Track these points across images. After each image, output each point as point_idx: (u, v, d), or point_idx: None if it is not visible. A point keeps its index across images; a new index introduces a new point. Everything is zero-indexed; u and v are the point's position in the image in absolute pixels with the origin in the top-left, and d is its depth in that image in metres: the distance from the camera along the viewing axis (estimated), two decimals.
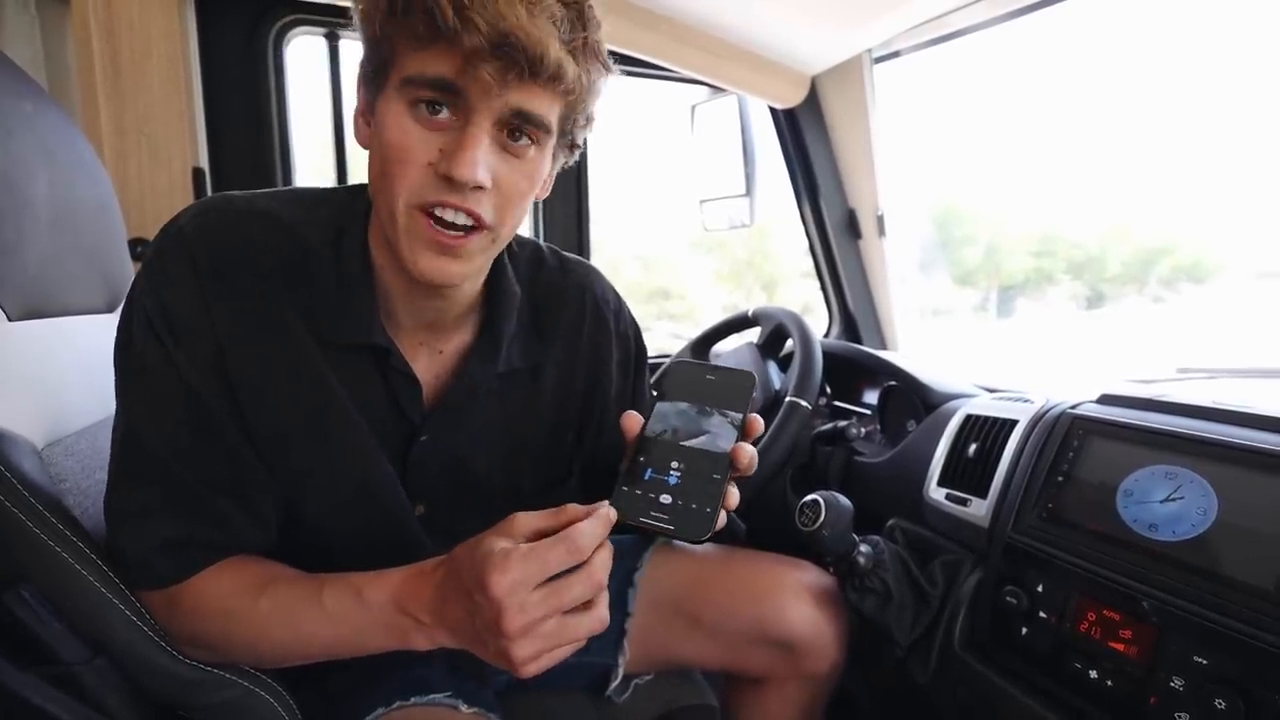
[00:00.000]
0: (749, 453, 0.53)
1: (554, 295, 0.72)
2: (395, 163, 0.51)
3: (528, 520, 0.49)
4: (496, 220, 0.54)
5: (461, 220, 0.52)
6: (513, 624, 0.45)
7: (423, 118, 0.50)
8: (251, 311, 0.56)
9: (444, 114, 0.51)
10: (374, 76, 0.53)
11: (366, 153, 0.57)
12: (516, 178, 0.54)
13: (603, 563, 0.48)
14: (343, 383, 0.60)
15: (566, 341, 0.72)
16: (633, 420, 0.55)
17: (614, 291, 0.79)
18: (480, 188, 0.51)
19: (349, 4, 0.56)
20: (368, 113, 0.56)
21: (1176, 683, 0.58)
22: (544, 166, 0.56)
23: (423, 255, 0.53)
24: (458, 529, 0.53)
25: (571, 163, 0.62)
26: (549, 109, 0.52)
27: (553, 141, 0.55)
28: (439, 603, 0.50)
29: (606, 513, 0.49)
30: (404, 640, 0.53)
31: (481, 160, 0.50)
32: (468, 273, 0.56)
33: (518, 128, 0.52)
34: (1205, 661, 0.57)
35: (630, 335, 0.79)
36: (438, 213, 0.52)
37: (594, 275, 0.77)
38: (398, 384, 0.62)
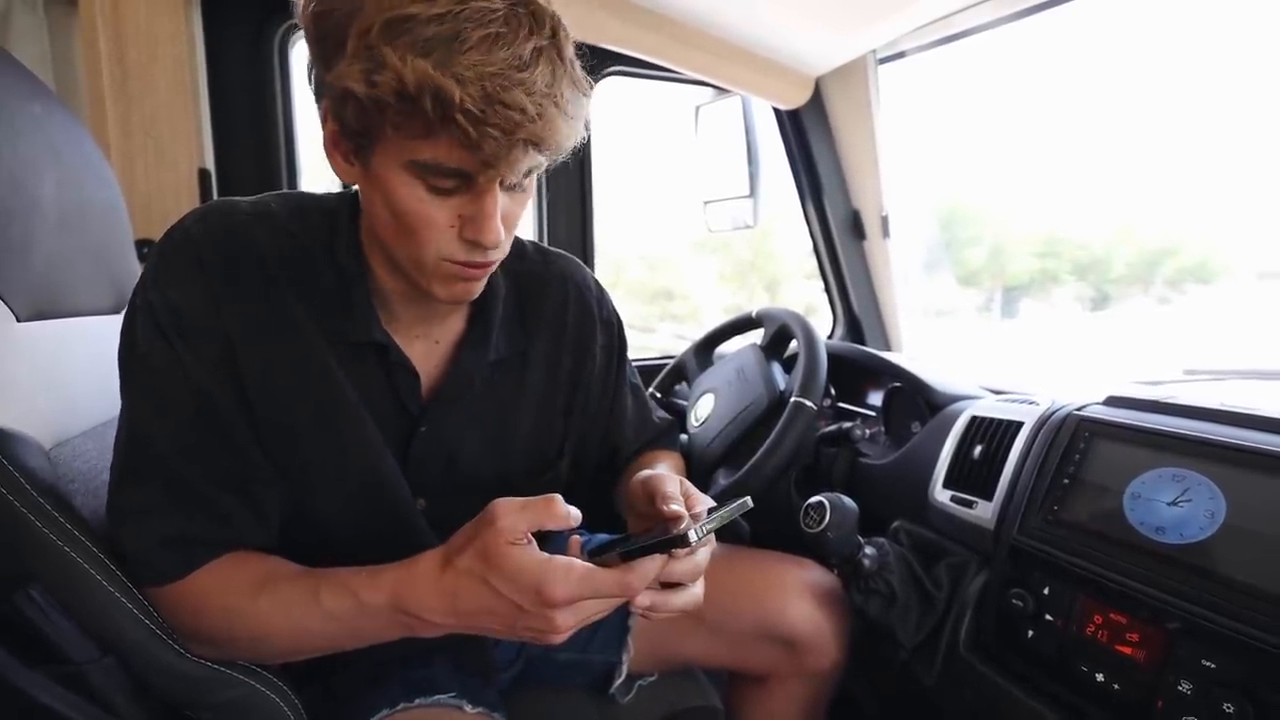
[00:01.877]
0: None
1: (536, 285, 0.74)
2: (416, 230, 0.54)
3: (515, 513, 0.50)
4: (507, 248, 0.59)
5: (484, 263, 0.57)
6: (566, 623, 0.49)
7: (437, 191, 0.52)
8: (260, 310, 0.57)
9: (454, 185, 0.52)
10: (360, 132, 0.51)
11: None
12: (518, 209, 0.58)
13: (647, 584, 0.51)
14: (349, 378, 0.61)
15: (552, 328, 0.74)
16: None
17: (595, 280, 0.81)
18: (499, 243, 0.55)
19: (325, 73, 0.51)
20: (348, 154, 0.54)
21: (1184, 686, 0.58)
22: (534, 186, 0.59)
23: (452, 287, 0.58)
24: (459, 521, 0.53)
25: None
26: (543, 157, 0.53)
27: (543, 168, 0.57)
28: (449, 601, 0.51)
29: (664, 560, 0.51)
30: (409, 632, 0.54)
31: (500, 221, 0.54)
32: (482, 287, 0.61)
33: (519, 181, 0.55)
34: (1213, 665, 0.57)
35: (613, 322, 0.82)
36: (463, 264, 0.56)
37: (575, 265, 0.79)
38: (398, 377, 0.64)
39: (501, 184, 0.53)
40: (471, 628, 0.52)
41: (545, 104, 0.49)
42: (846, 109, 1.46)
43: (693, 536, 0.49)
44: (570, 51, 0.51)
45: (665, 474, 0.61)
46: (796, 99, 1.43)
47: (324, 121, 0.54)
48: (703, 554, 0.56)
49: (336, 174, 0.56)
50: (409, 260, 0.56)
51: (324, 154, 0.56)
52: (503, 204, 0.54)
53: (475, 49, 0.46)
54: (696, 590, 0.57)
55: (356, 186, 0.60)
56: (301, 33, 1.19)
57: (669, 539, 0.50)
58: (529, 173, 0.54)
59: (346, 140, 0.53)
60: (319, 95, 0.54)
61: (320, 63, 0.51)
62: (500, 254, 0.58)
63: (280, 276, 0.58)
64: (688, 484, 0.61)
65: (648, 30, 1.21)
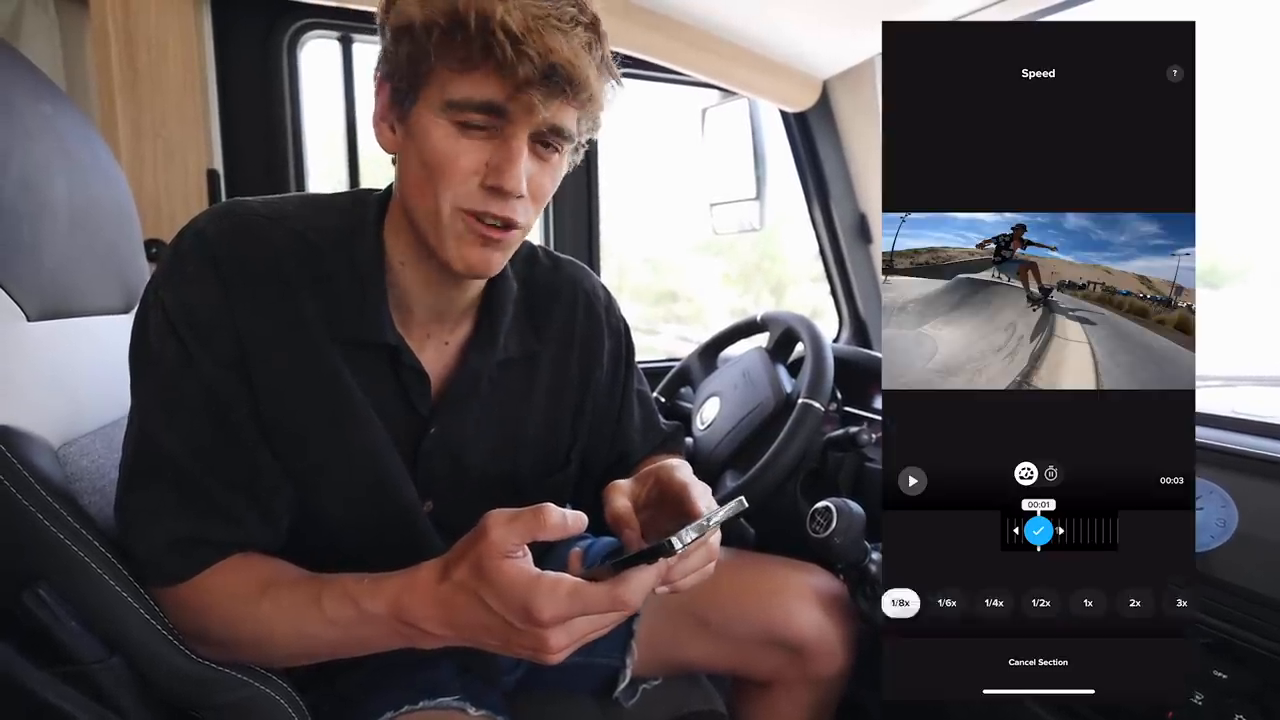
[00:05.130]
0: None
1: (547, 290, 0.75)
2: (441, 174, 0.55)
3: (504, 526, 0.48)
4: (528, 221, 0.60)
5: (501, 222, 0.57)
6: (558, 643, 0.48)
7: (467, 134, 0.54)
8: (272, 311, 0.57)
9: (485, 129, 0.54)
10: (405, 89, 0.55)
11: (384, 155, 0.61)
12: (545, 180, 0.59)
13: (643, 598, 0.49)
14: (358, 380, 0.61)
15: (560, 332, 0.75)
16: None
17: (604, 287, 0.82)
18: (520, 195, 0.56)
19: (373, 9, 0.57)
20: (394, 120, 0.58)
21: (1196, 697, 0.57)
22: (564, 168, 0.61)
23: (469, 250, 0.58)
24: (464, 524, 0.53)
25: (579, 161, 0.66)
26: (574, 121, 0.57)
27: (571, 146, 0.60)
28: (446, 613, 0.50)
29: (659, 569, 0.50)
30: (409, 642, 0.53)
31: (524, 172, 0.55)
32: (504, 261, 0.61)
33: (548, 139, 0.57)
34: (1225, 675, 0.56)
35: (620, 329, 0.82)
36: (481, 217, 0.56)
37: (584, 272, 0.80)
38: (408, 379, 0.64)
39: (532, 142, 0.56)
40: (469, 641, 0.51)
41: (581, 53, 0.53)
42: (853, 112, 1.45)
43: (676, 544, 0.47)
44: (606, 48, 0.56)
45: (618, 482, 0.62)
46: (803, 102, 1.42)
47: (377, 96, 0.59)
48: (713, 539, 0.56)
49: (381, 145, 0.60)
50: (429, 216, 0.57)
51: (374, 129, 0.60)
52: (529, 168, 0.56)
53: None
54: (708, 569, 0.57)
55: (394, 167, 0.62)
56: (309, 35, 1.21)
57: (653, 548, 0.48)
58: (557, 133, 0.56)
59: (394, 104, 0.57)
60: (377, 78, 0.58)
61: (384, 26, 0.55)
62: (523, 217, 0.58)
63: (293, 277, 0.58)
64: (672, 470, 0.62)
65: (655, 33, 1.21)
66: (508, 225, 0.57)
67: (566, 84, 0.53)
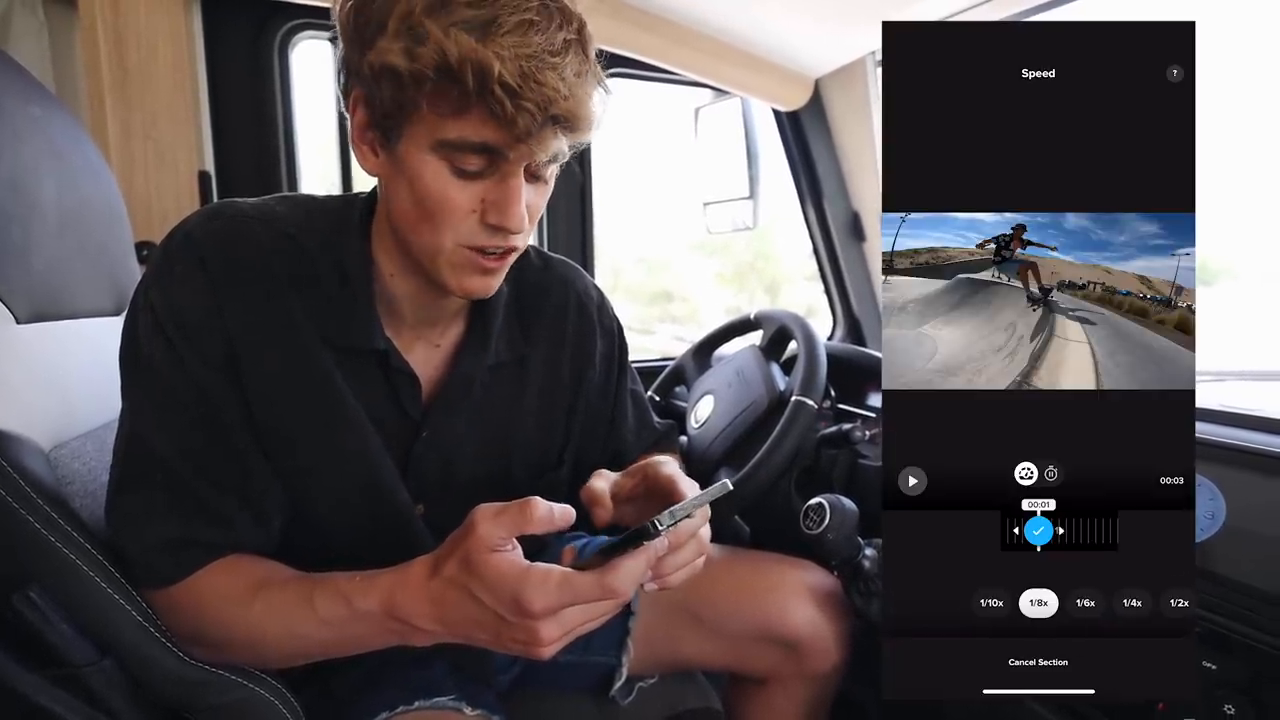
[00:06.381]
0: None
1: (538, 291, 0.74)
2: (438, 213, 0.54)
3: (492, 519, 0.48)
4: (526, 238, 0.60)
5: (503, 250, 0.58)
6: (550, 634, 0.47)
7: (462, 173, 0.53)
8: (262, 313, 0.57)
9: (480, 169, 0.53)
10: (389, 119, 0.53)
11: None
12: (539, 200, 0.59)
13: (633, 585, 0.49)
14: (348, 384, 0.61)
15: (552, 333, 0.74)
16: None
17: (596, 288, 0.81)
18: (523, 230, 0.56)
19: (335, 31, 0.55)
20: (375, 144, 0.56)
21: None
22: (553, 180, 0.60)
23: (468, 279, 0.58)
24: (456, 526, 0.53)
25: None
26: (566, 144, 0.55)
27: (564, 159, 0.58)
28: (437, 609, 0.50)
29: (648, 554, 0.50)
30: (402, 640, 0.53)
31: (524, 207, 0.55)
32: (501, 280, 0.61)
33: (544, 167, 0.57)
34: (1214, 667, 0.57)
35: (614, 330, 0.82)
36: (484, 250, 0.56)
37: (577, 272, 0.80)
38: (398, 382, 0.63)
39: (527, 170, 0.55)
40: (461, 637, 0.51)
41: (576, 85, 0.51)
42: (846, 111, 1.46)
43: (659, 525, 0.47)
44: (593, 52, 0.54)
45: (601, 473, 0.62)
46: (796, 101, 1.43)
47: (352, 114, 0.56)
48: (704, 535, 0.57)
49: (361, 165, 0.57)
50: (427, 249, 0.56)
51: (351, 147, 0.57)
52: (525, 194, 0.55)
53: (512, 32, 0.48)
54: (698, 563, 0.57)
55: (377, 181, 0.60)
56: (301, 36, 1.20)
57: (636, 530, 0.48)
58: (552, 159, 0.55)
59: (374, 129, 0.54)
60: (347, 89, 0.55)
61: (356, 48, 0.52)
62: (522, 241, 0.58)
63: (282, 279, 0.58)
64: (659, 465, 0.62)
65: (647, 32, 1.21)
66: (509, 250, 0.58)
67: (568, 126, 0.52)
